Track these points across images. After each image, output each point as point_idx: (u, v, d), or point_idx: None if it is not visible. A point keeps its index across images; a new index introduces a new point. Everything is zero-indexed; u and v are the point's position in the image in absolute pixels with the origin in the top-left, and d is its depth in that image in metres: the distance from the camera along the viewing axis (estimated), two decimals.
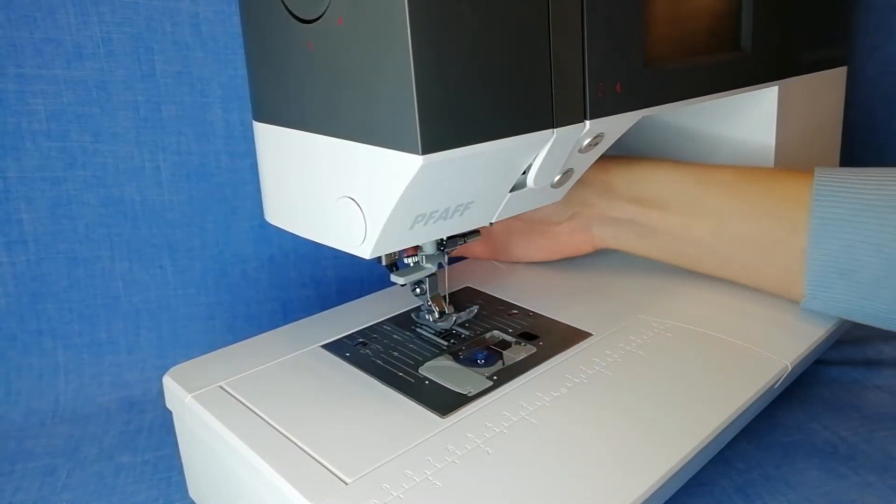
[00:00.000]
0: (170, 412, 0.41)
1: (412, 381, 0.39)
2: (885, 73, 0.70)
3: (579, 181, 0.41)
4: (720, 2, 0.46)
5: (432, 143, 0.28)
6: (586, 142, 0.36)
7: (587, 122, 0.35)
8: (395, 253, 0.40)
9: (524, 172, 0.35)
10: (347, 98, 0.30)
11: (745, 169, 0.47)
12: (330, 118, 0.32)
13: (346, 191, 0.32)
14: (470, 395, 0.37)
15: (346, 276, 0.62)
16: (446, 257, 0.42)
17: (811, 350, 0.42)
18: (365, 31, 0.29)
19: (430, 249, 0.41)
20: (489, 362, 0.40)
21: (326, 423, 0.35)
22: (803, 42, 0.54)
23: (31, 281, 0.54)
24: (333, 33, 0.30)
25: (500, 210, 0.37)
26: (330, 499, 0.30)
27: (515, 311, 0.47)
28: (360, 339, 0.44)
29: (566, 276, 0.52)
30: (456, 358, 0.41)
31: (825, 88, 0.59)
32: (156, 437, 0.49)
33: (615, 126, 0.37)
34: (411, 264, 0.41)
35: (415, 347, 0.42)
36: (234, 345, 0.43)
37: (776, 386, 0.40)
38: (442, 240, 0.41)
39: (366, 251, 0.32)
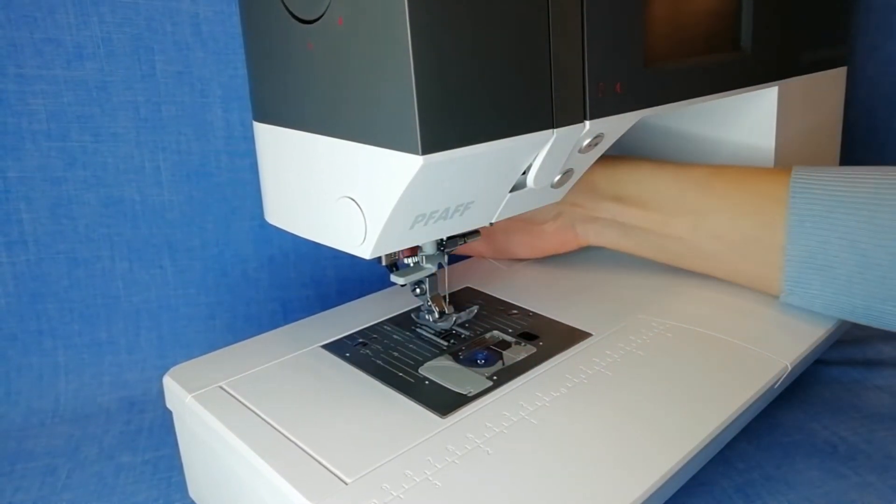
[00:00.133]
0: (170, 412, 0.41)
1: (412, 381, 0.39)
2: (885, 73, 0.70)
3: None
4: (720, 2, 0.46)
5: (432, 143, 0.28)
6: (586, 142, 0.36)
7: (587, 123, 0.35)
8: (395, 253, 0.40)
9: (524, 172, 0.35)
10: (347, 98, 0.30)
11: (722, 167, 0.47)
12: (330, 118, 0.32)
13: (347, 191, 0.32)
14: (470, 395, 0.37)
15: (346, 277, 0.62)
16: (446, 257, 0.42)
17: (811, 350, 0.42)
18: (365, 32, 0.29)
19: (430, 249, 0.41)
20: (489, 362, 0.40)
21: (326, 423, 0.35)
22: (803, 42, 0.54)
23: (32, 281, 0.54)
24: (333, 33, 0.30)
25: (500, 210, 0.37)
26: (330, 499, 0.30)
27: (515, 312, 0.47)
28: (360, 340, 0.44)
29: (566, 276, 0.52)
30: (456, 358, 0.41)
31: (825, 88, 0.59)
32: (156, 437, 0.49)
33: (615, 126, 0.37)
34: (411, 264, 0.41)
35: (415, 347, 0.42)
36: (235, 345, 0.43)
37: (776, 386, 0.40)
38: (442, 240, 0.41)
39: (366, 251, 0.32)
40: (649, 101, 0.39)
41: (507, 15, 0.30)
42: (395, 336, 0.44)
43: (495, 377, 0.39)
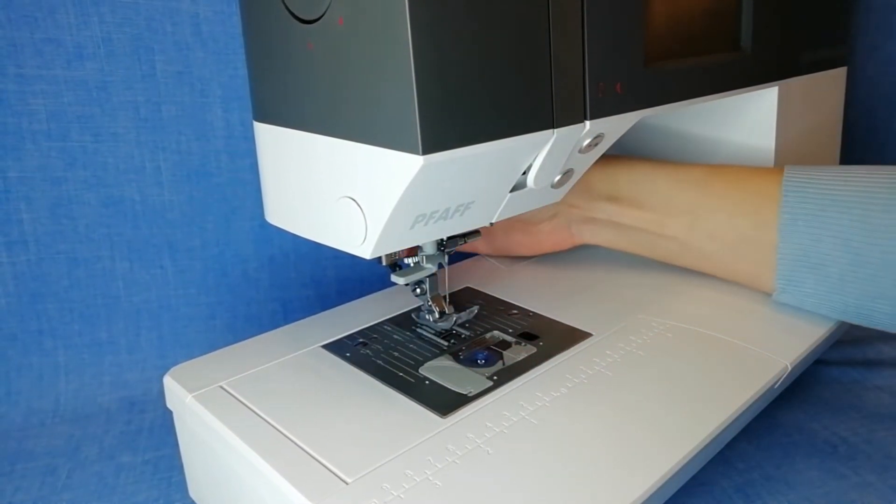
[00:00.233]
0: (170, 412, 0.41)
1: (412, 381, 0.39)
2: (885, 73, 0.70)
3: None
4: (720, 2, 0.46)
5: (433, 143, 0.28)
6: (586, 142, 0.36)
7: (587, 123, 0.35)
8: (395, 253, 0.40)
9: (524, 172, 0.35)
10: (348, 98, 0.31)
11: (716, 167, 0.48)
12: (330, 118, 0.32)
13: (347, 191, 0.32)
14: (470, 395, 0.37)
15: (347, 277, 0.62)
16: (446, 257, 0.42)
17: (811, 350, 0.42)
18: (365, 32, 0.29)
19: (430, 249, 0.41)
20: (489, 362, 0.40)
21: (327, 423, 0.35)
22: (803, 42, 0.54)
23: (32, 281, 0.54)
24: (334, 33, 0.30)
25: (500, 210, 0.37)
26: (330, 498, 0.30)
27: (515, 312, 0.47)
28: (361, 340, 0.44)
29: (566, 276, 0.52)
30: (456, 358, 0.41)
31: (825, 89, 0.59)
32: (156, 436, 0.49)
33: (615, 126, 0.37)
34: (411, 264, 0.41)
35: (415, 347, 0.42)
36: (235, 345, 0.43)
37: (776, 386, 0.40)
38: (442, 240, 0.41)
39: (366, 251, 0.32)
40: (649, 101, 0.39)
41: (507, 15, 0.30)
42: (395, 336, 0.44)
43: (495, 377, 0.39)
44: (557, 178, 0.38)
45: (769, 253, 0.44)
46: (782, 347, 0.41)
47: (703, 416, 0.35)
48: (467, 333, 0.44)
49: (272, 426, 0.35)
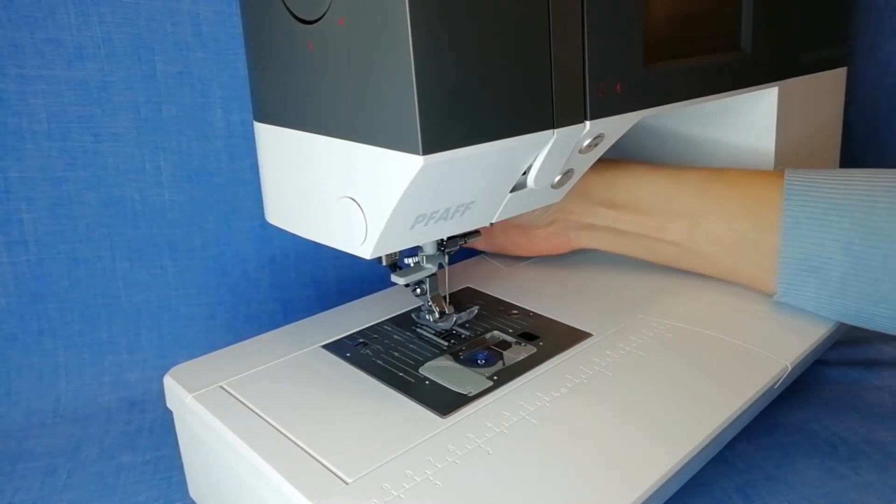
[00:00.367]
0: (170, 412, 0.41)
1: (412, 381, 0.39)
2: (885, 73, 0.70)
3: None
4: (720, 2, 0.46)
5: (433, 143, 0.29)
6: (586, 142, 0.36)
7: (587, 123, 0.35)
8: (395, 253, 0.40)
9: (524, 173, 0.35)
10: (348, 98, 0.31)
11: (714, 170, 0.48)
12: (331, 118, 0.32)
13: (347, 191, 0.32)
14: (470, 395, 0.37)
15: (347, 277, 0.62)
16: (446, 257, 0.42)
17: (811, 350, 0.43)
18: (366, 32, 0.29)
19: (430, 250, 0.41)
20: (489, 362, 0.40)
21: (327, 423, 0.35)
22: (803, 42, 0.54)
23: (32, 281, 0.54)
24: (334, 34, 0.30)
25: (500, 210, 0.37)
26: (330, 498, 0.30)
27: (515, 312, 0.47)
28: (361, 340, 0.44)
29: (566, 276, 0.52)
30: (456, 358, 0.41)
31: (825, 89, 0.59)
32: (156, 437, 0.49)
33: (615, 126, 0.37)
34: (412, 264, 0.41)
35: (415, 347, 0.42)
36: (235, 345, 0.43)
37: (776, 386, 0.40)
38: (442, 240, 0.41)
39: (366, 251, 0.32)
40: (649, 101, 0.39)
41: (507, 15, 0.30)
42: (395, 336, 0.44)
43: (496, 377, 0.39)
44: (557, 178, 0.38)
45: (770, 256, 0.44)
46: (782, 348, 0.41)
47: (703, 416, 0.35)
48: (467, 333, 0.44)
49: (272, 426, 0.35)
